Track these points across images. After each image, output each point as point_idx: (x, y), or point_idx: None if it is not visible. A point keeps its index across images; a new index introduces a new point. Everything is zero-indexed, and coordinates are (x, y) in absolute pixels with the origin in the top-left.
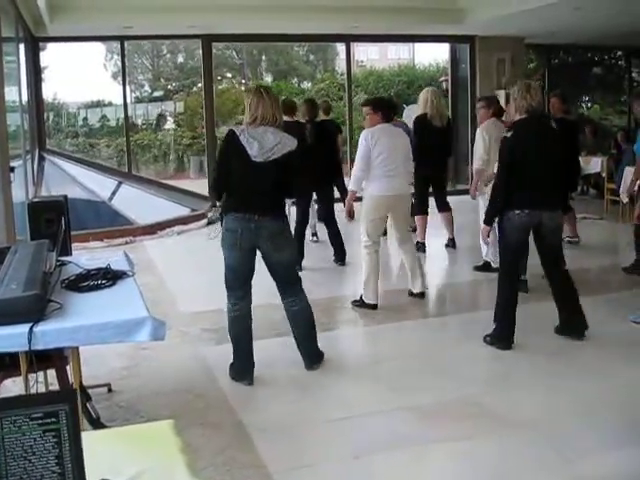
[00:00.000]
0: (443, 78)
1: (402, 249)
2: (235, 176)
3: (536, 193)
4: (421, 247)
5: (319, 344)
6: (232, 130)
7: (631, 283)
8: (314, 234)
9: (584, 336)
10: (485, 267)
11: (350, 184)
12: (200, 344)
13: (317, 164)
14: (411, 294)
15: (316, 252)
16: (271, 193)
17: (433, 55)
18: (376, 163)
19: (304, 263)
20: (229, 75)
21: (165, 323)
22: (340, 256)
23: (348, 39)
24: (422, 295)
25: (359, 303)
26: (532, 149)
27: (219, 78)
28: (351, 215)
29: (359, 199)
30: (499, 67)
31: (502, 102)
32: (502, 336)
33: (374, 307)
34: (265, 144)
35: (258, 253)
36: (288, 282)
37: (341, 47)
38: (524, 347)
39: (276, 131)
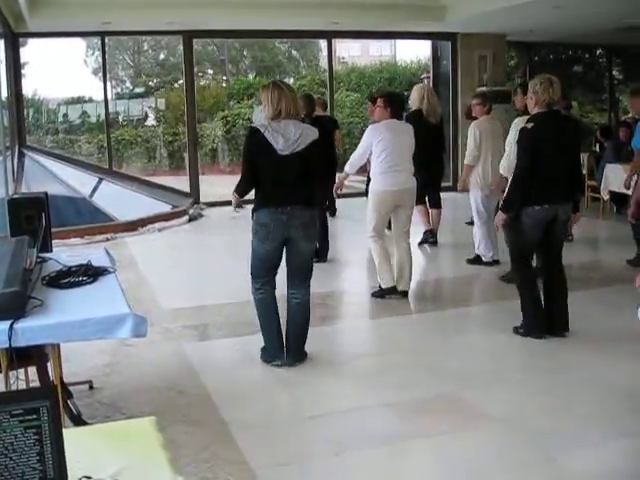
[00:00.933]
0: (425, 75)
1: (397, 244)
2: (263, 172)
3: (554, 186)
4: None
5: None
6: (255, 128)
7: (611, 279)
8: None
9: (564, 336)
10: (476, 260)
11: (346, 166)
12: (182, 341)
13: None
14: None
15: None
16: (300, 184)
17: (415, 52)
18: (381, 159)
19: None
20: (210, 71)
21: (146, 319)
22: (322, 254)
23: (329, 36)
24: (405, 294)
25: (379, 293)
26: (552, 142)
27: (200, 74)
28: (338, 191)
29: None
30: (480, 64)
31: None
32: (534, 326)
33: (394, 290)
34: (289, 137)
35: None
36: (302, 273)
37: (323, 43)
38: (511, 342)
39: (297, 123)
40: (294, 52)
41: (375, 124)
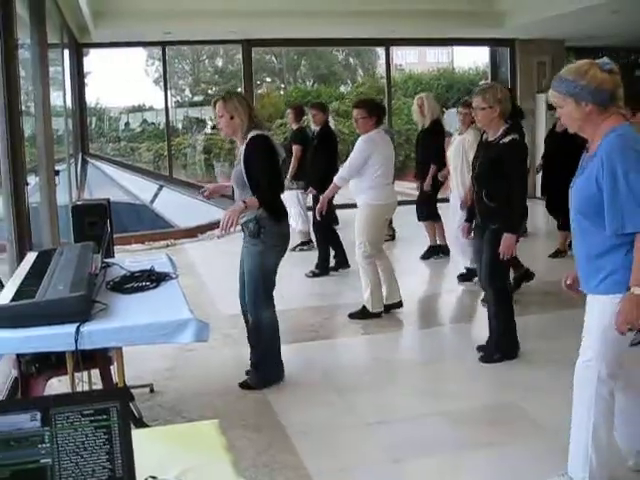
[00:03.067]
0: (483, 82)
1: (378, 258)
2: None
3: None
4: (444, 249)
5: (358, 347)
6: (264, 135)
7: None
8: (308, 242)
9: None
10: (471, 275)
11: (337, 179)
12: (241, 346)
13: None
14: (387, 307)
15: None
16: None
17: (472, 58)
18: (378, 173)
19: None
20: (268, 80)
21: (208, 325)
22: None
23: (387, 43)
24: (401, 304)
25: (361, 315)
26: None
27: (259, 83)
28: (322, 212)
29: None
30: (540, 70)
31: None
32: (513, 347)
33: (380, 315)
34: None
35: None
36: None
37: (381, 51)
38: (552, 353)
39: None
40: (351, 60)
41: (368, 135)
